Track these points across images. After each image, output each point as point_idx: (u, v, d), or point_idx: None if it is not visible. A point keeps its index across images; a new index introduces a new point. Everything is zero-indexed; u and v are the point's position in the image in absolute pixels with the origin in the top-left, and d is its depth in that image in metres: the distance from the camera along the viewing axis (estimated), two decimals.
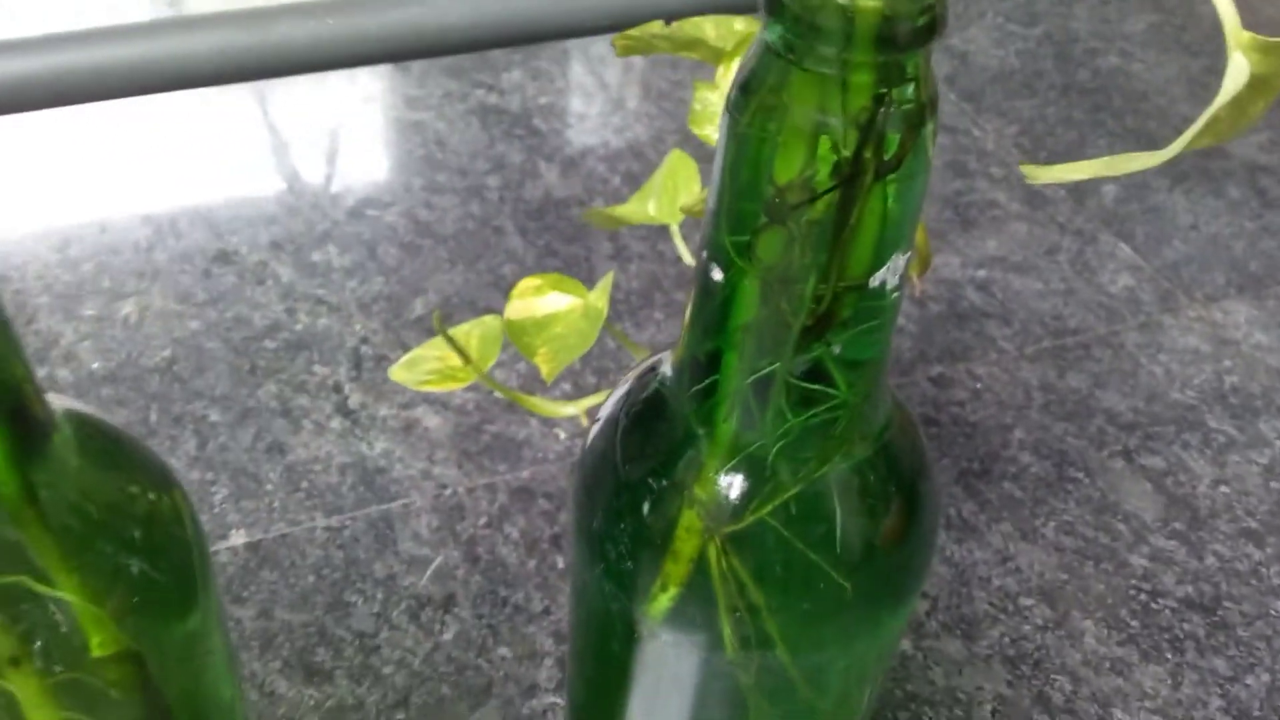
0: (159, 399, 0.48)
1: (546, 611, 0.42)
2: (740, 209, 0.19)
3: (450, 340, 0.33)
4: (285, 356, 0.50)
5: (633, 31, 0.32)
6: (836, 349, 0.20)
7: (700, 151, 0.33)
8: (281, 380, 0.49)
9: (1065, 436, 0.50)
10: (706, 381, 0.21)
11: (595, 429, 0.25)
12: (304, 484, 0.45)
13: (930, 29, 0.17)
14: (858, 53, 0.16)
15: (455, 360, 0.34)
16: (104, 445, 0.22)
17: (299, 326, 0.52)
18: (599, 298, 0.32)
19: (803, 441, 0.21)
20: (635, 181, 0.62)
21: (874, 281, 0.19)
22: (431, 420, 0.48)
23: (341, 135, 0.64)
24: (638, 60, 0.72)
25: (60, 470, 0.20)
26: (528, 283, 0.33)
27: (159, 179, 0.60)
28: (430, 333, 0.52)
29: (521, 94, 0.68)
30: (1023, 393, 0.52)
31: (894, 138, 0.18)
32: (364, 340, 0.52)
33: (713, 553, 0.22)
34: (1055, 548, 0.46)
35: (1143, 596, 0.44)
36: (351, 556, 0.43)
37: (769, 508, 0.21)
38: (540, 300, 0.33)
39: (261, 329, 0.52)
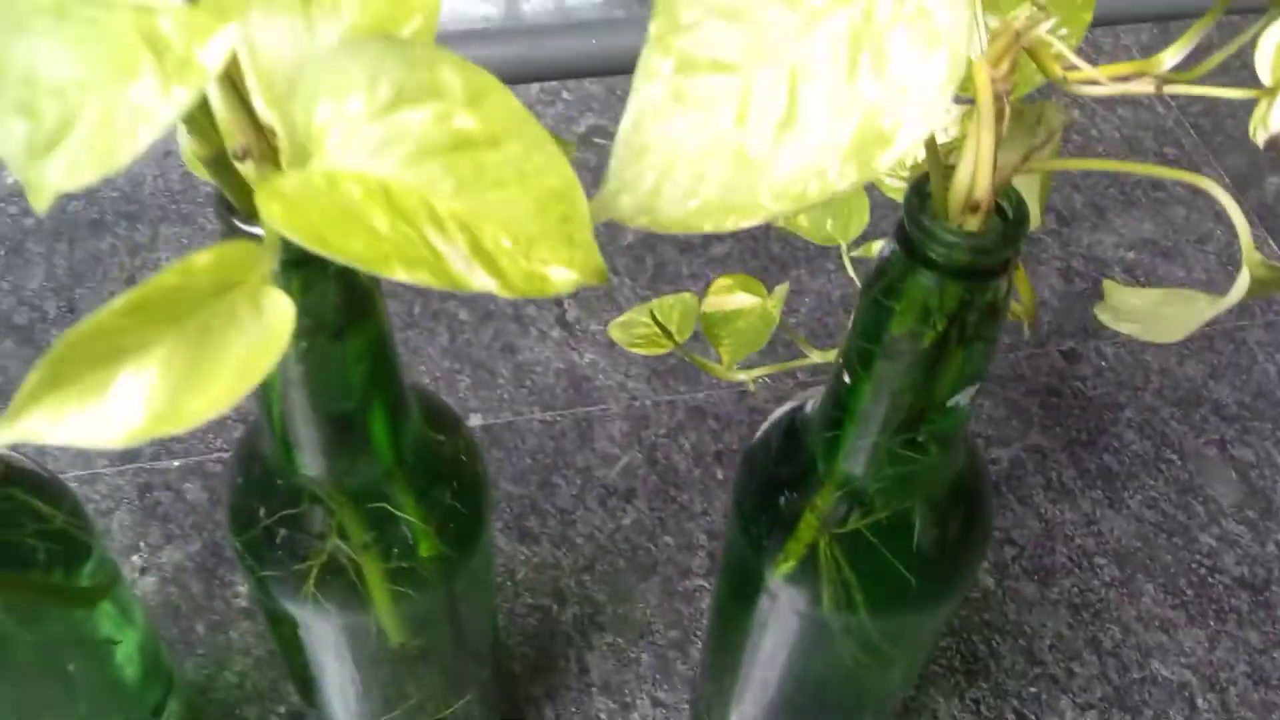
0: (421, 295, 0.60)
1: (704, 513, 0.53)
2: (867, 343, 0.28)
3: (656, 320, 0.43)
4: None
5: None
6: (921, 437, 0.29)
7: (875, 195, 0.41)
8: None
9: (1170, 420, 0.58)
10: (833, 434, 0.31)
11: (759, 434, 0.35)
12: (528, 381, 0.57)
13: (1000, 271, 0.25)
14: (949, 280, 0.25)
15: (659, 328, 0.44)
16: (421, 403, 0.33)
17: None
18: (774, 304, 0.42)
19: (894, 483, 0.31)
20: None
21: (950, 403, 0.28)
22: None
23: None
24: None
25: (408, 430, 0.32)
26: (721, 282, 0.43)
27: None
28: (637, 261, 0.62)
29: None
30: (1141, 375, 0.59)
31: (973, 321, 0.26)
32: None
33: (822, 544, 0.32)
34: (1136, 518, 0.54)
35: (1202, 570, 0.52)
36: (559, 447, 0.55)
37: (864, 523, 0.31)
38: (730, 297, 0.43)
39: None
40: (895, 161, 0.19)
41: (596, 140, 0.68)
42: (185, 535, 0.51)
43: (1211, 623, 0.51)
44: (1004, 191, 0.26)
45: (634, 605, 0.50)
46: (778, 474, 0.33)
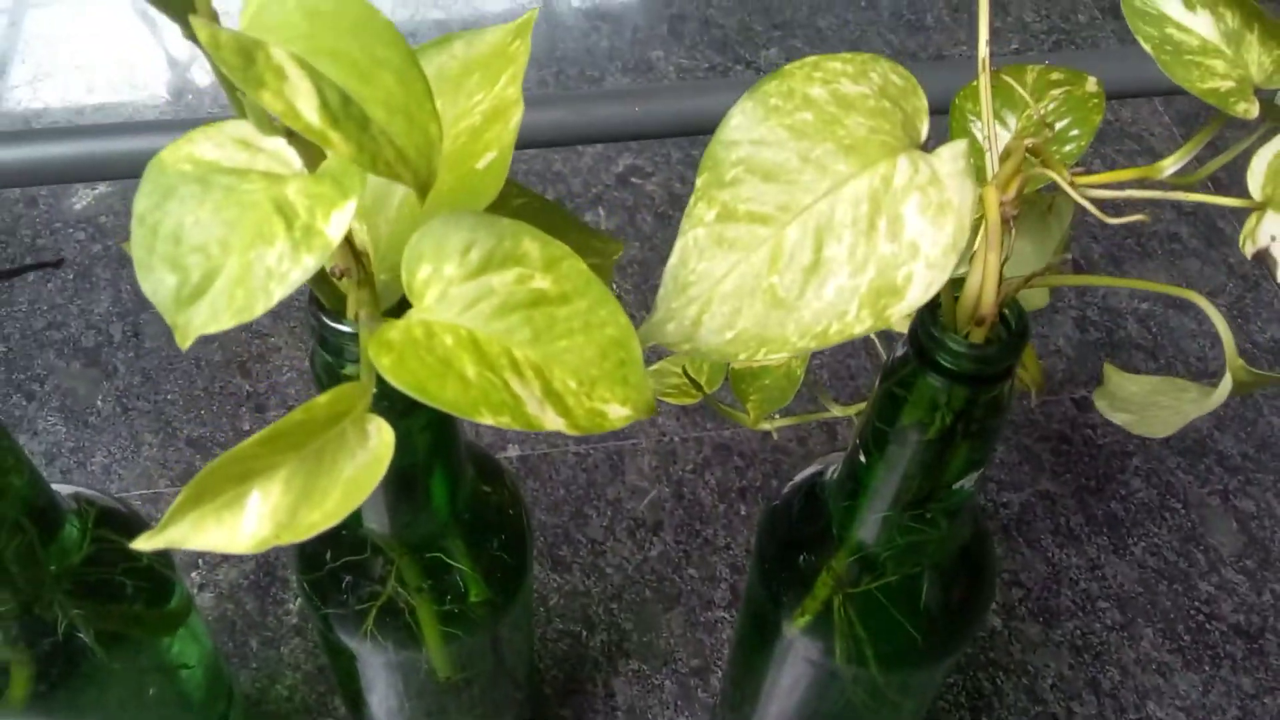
0: None
1: (727, 547, 0.56)
2: (882, 429, 0.31)
3: (687, 374, 0.46)
4: None
5: None
6: (929, 513, 0.32)
7: None
8: None
9: (1175, 470, 0.60)
10: (849, 503, 0.34)
11: (784, 493, 0.38)
12: None
13: (1003, 376, 0.28)
14: (955, 383, 0.28)
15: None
16: (470, 455, 0.36)
17: None
18: (799, 365, 0.45)
19: (904, 550, 0.34)
20: None
21: (956, 485, 0.31)
22: None
23: None
24: None
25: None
26: None
27: None
28: None
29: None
30: None
31: (978, 416, 0.29)
32: (619, 297, 0.65)
33: (837, 601, 0.35)
34: (1139, 564, 0.57)
35: (1200, 617, 0.55)
36: (591, 479, 0.58)
37: (875, 585, 0.34)
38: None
39: None
40: (907, 311, 0.22)
41: (633, 180, 0.71)
42: (241, 554, 0.54)
43: (1207, 668, 0.54)
44: (1008, 303, 0.29)
45: (659, 634, 0.54)
46: (798, 534, 0.36)
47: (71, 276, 0.65)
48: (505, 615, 0.37)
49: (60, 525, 0.32)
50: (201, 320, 0.20)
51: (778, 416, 0.49)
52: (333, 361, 0.27)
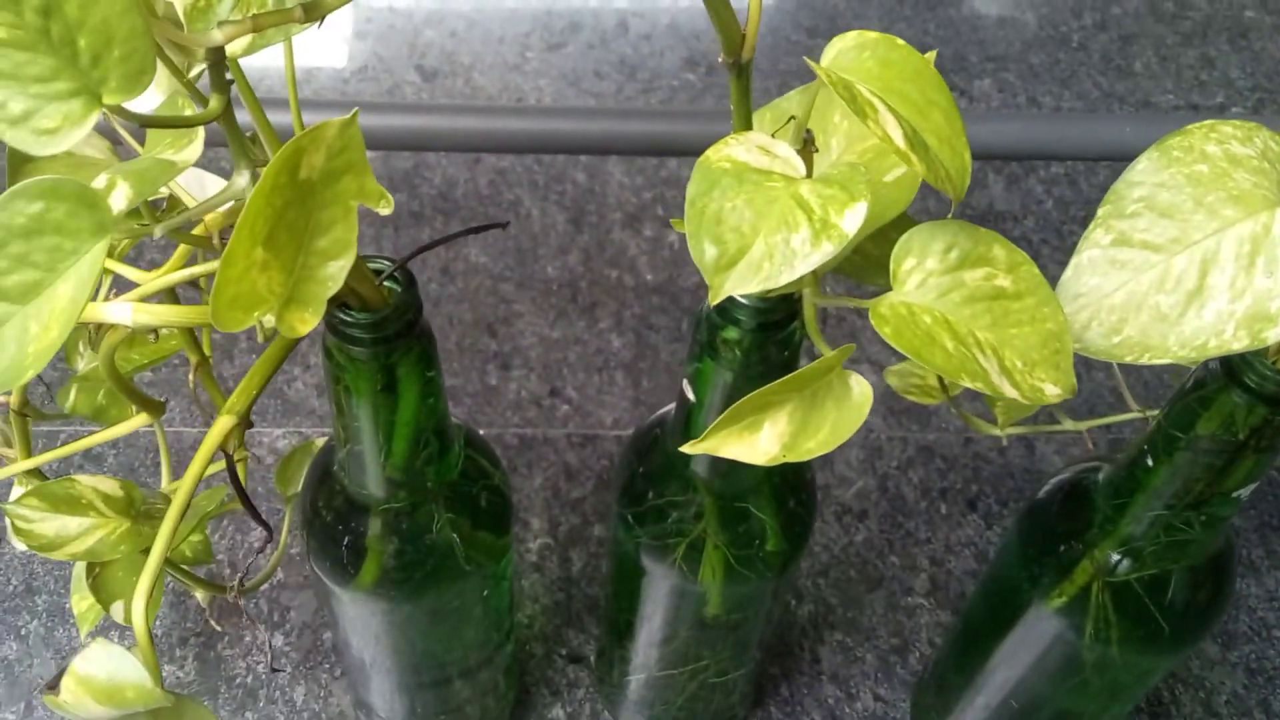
0: (689, 314, 0.69)
1: (928, 540, 0.61)
2: (1176, 434, 0.36)
3: (940, 379, 0.51)
4: None
5: None
6: (1202, 516, 0.37)
7: None
8: None
9: None
10: (1122, 501, 0.39)
11: (1045, 489, 0.43)
12: None
13: None
14: (1258, 402, 0.33)
15: (933, 381, 0.52)
16: None
17: None
18: None
19: (1166, 547, 0.38)
20: (1063, 202, 0.76)
21: (1234, 494, 0.36)
22: (870, 378, 0.67)
23: None
24: None
25: None
26: None
27: None
28: None
29: (986, 105, 0.82)
30: None
31: (1269, 434, 0.34)
32: None
33: (1094, 586, 0.40)
34: None
35: None
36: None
37: (1133, 575, 0.39)
38: None
39: None
40: None
41: None
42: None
43: None
44: None
45: (861, 611, 0.59)
46: (1061, 524, 0.41)
47: None
48: (790, 565, 0.42)
49: (452, 443, 0.38)
50: (732, 284, 0.25)
51: (1010, 428, 0.53)
52: (721, 324, 0.32)
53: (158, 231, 0.23)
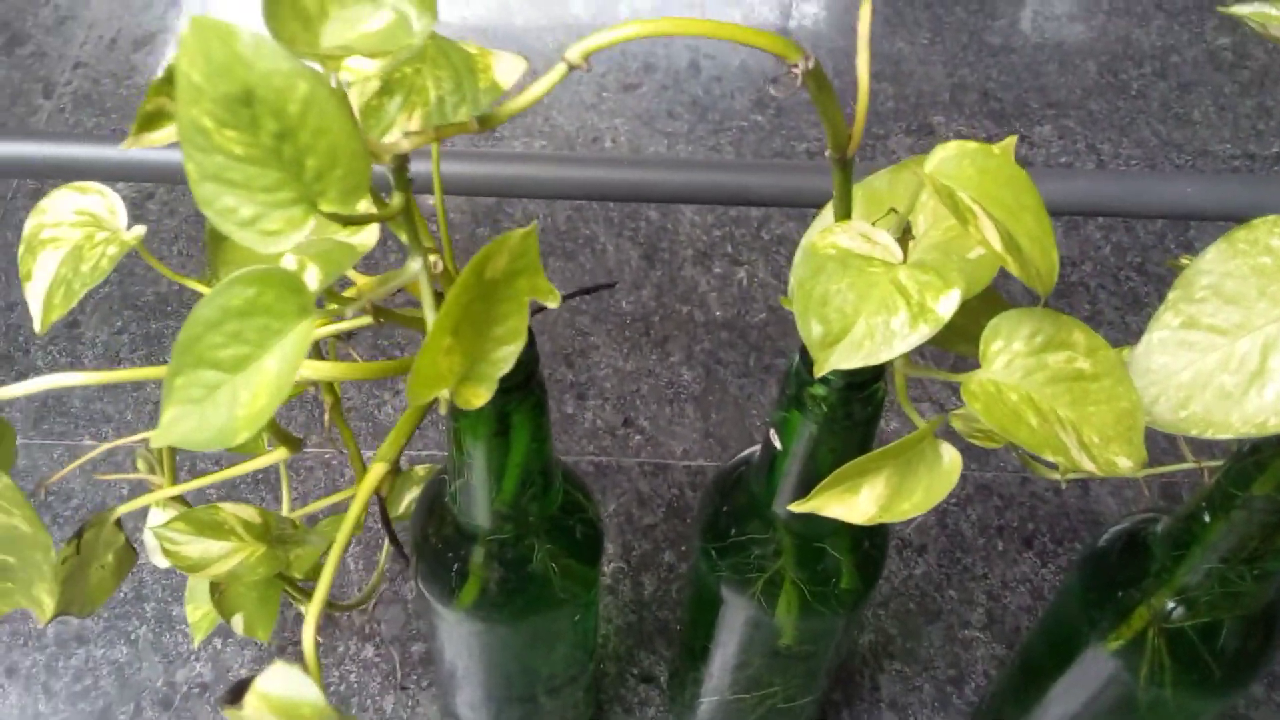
0: (755, 349, 0.72)
1: (985, 576, 0.64)
2: (1233, 492, 0.38)
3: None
4: None
5: None
6: (1255, 570, 0.39)
7: None
8: None
9: None
10: (1180, 552, 0.41)
11: (1105, 536, 0.45)
12: None
13: None
14: None
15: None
16: None
17: None
18: None
19: (1220, 598, 0.41)
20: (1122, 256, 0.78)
21: None
22: (929, 414, 0.70)
23: None
24: None
25: None
26: None
27: None
28: None
29: (1046, 150, 0.85)
30: None
31: None
32: None
33: (1150, 631, 0.42)
34: None
35: None
36: None
37: (1188, 623, 0.42)
38: None
39: None
40: None
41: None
42: None
43: None
44: None
45: (920, 642, 0.61)
46: (1120, 571, 0.44)
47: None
48: (861, 603, 0.45)
49: (554, 480, 0.42)
50: (835, 359, 0.28)
51: (1069, 473, 0.56)
52: (810, 380, 0.35)
53: (349, 313, 0.26)
